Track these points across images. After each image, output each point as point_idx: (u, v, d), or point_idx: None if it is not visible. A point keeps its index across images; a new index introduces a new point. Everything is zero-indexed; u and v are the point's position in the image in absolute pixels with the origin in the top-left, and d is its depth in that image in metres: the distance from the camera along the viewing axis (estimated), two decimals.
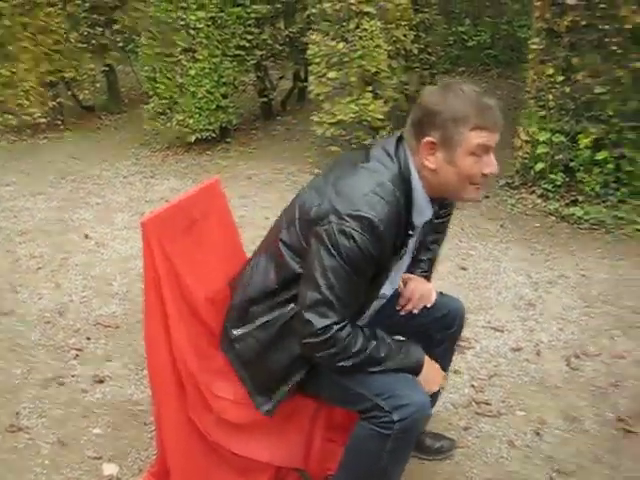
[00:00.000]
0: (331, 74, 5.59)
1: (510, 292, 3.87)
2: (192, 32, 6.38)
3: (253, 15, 7.00)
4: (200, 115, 6.52)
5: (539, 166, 5.04)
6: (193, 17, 6.31)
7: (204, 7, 6.33)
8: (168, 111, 6.71)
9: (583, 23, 4.73)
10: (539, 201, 5.10)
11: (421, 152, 1.81)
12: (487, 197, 5.27)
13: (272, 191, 5.62)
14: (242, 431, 2.12)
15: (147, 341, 2.09)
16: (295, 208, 1.97)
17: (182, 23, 6.38)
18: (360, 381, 1.90)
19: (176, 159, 6.66)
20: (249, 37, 6.98)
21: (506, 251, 4.45)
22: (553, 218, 4.92)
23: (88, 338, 3.47)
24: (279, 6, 7.53)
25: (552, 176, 5.03)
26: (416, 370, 1.93)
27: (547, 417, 2.81)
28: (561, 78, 4.86)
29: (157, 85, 6.68)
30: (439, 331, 2.28)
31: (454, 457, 2.56)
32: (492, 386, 3.04)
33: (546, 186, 5.08)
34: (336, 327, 1.76)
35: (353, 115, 5.50)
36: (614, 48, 4.66)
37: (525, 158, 5.18)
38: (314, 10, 5.79)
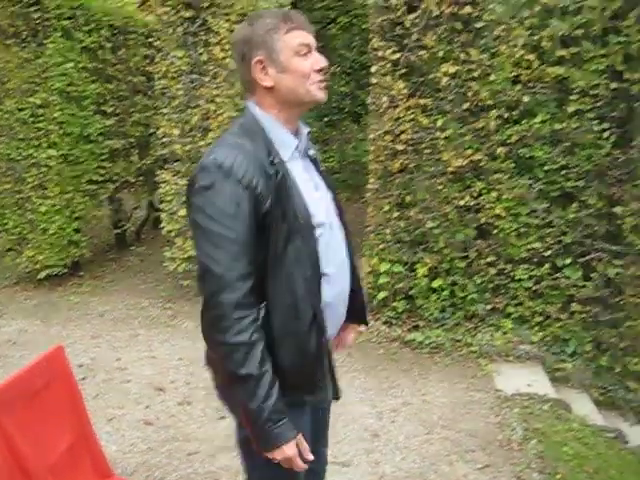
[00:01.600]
0: (182, 211, 5.79)
1: (356, 424, 4.05)
2: (43, 169, 6.41)
3: (106, 150, 7.14)
4: (51, 251, 6.47)
5: (382, 295, 5.38)
6: (44, 155, 6.36)
7: (56, 145, 6.41)
8: (18, 247, 6.62)
9: (412, 165, 5.23)
10: (383, 328, 5.41)
11: (256, 76, 1.87)
12: None
13: (125, 329, 5.61)
14: None
15: None
16: None
17: (33, 161, 6.41)
18: None
19: (25, 296, 6.51)
20: (102, 172, 7.09)
21: (352, 381, 4.66)
22: (397, 344, 5.23)
23: None
24: (132, 140, 7.74)
25: (394, 304, 5.38)
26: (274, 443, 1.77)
27: None
28: (396, 214, 5.30)
29: (6, 221, 6.60)
30: None
31: None
32: None
33: (389, 313, 5.41)
34: (233, 297, 1.68)
35: None
36: (440, 187, 5.17)
37: (369, 287, 5.51)
38: (165, 151, 6.02)
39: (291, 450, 1.78)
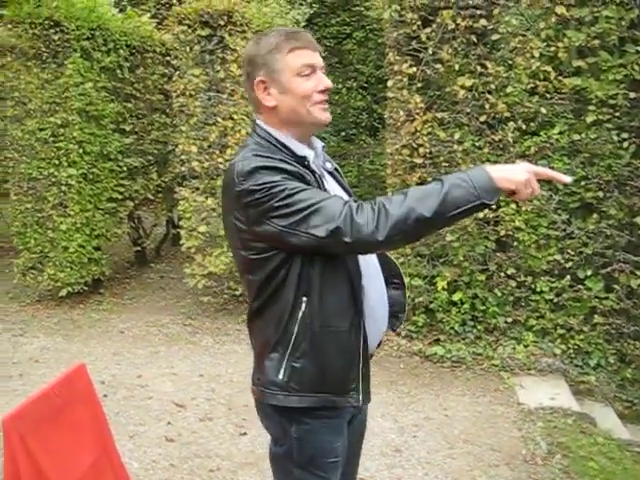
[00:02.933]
0: (201, 228, 5.83)
1: (377, 439, 4.02)
2: (63, 188, 6.47)
3: (125, 168, 7.21)
4: (72, 269, 6.51)
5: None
6: (64, 174, 6.42)
7: (76, 164, 6.48)
8: (39, 265, 6.67)
9: (430, 179, 5.21)
10: (404, 342, 5.38)
11: (259, 96, 1.86)
12: None
13: (145, 346, 5.63)
14: None
15: None
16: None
17: (53, 180, 6.47)
18: None
19: (47, 314, 6.55)
20: (121, 189, 7.15)
21: (373, 396, 4.61)
22: (417, 358, 5.20)
23: None
24: (151, 158, 7.81)
25: (414, 318, 5.35)
26: (485, 176, 1.66)
27: None
28: None
29: (27, 239, 6.66)
30: None
31: None
32: None
33: (410, 327, 5.39)
34: (348, 204, 1.69)
35: (224, 267, 5.71)
36: None
37: None
38: (183, 168, 6.07)
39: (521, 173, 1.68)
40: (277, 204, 1.71)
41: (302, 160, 1.85)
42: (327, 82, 1.87)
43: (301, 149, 1.89)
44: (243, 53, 1.94)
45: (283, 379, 1.84)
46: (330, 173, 2.05)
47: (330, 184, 1.95)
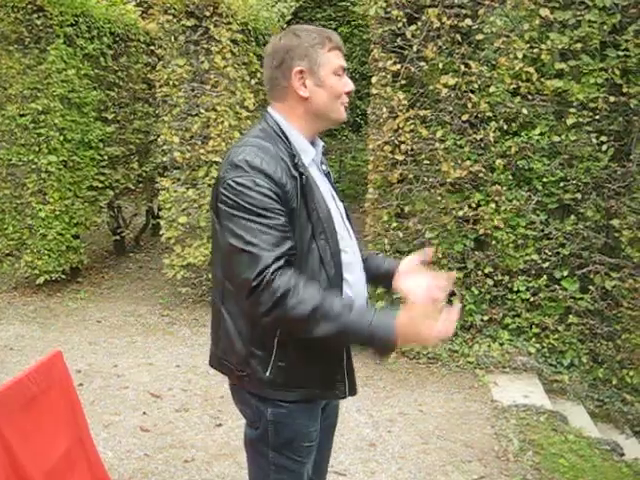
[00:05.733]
0: (181, 219, 5.81)
1: (352, 433, 4.05)
2: (43, 175, 6.42)
3: (106, 156, 7.16)
4: (50, 257, 6.47)
5: (379, 304, 5.37)
6: (44, 161, 6.37)
7: (56, 151, 6.42)
8: (16, 252, 6.62)
9: (411, 176, 5.25)
10: None
11: (294, 84, 1.90)
12: None
13: (122, 335, 5.62)
14: None
15: None
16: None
17: (33, 166, 6.42)
18: None
19: (23, 301, 6.51)
20: (102, 178, 7.11)
21: None
22: (394, 354, 5.21)
23: None
24: (133, 147, 7.77)
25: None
26: (386, 329, 1.71)
27: None
28: (395, 224, 5.31)
29: (5, 226, 6.60)
30: None
31: None
32: None
33: None
34: (270, 270, 1.68)
35: (203, 258, 5.70)
36: (439, 198, 5.19)
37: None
38: (165, 159, 6.05)
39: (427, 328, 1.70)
40: (236, 213, 1.76)
41: (293, 158, 1.87)
42: (352, 85, 1.98)
43: (302, 145, 1.94)
44: (276, 43, 1.95)
45: (270, 376, 1.87)
46: (326, 175, 2.09)
47: (322, 185, 1.97)
